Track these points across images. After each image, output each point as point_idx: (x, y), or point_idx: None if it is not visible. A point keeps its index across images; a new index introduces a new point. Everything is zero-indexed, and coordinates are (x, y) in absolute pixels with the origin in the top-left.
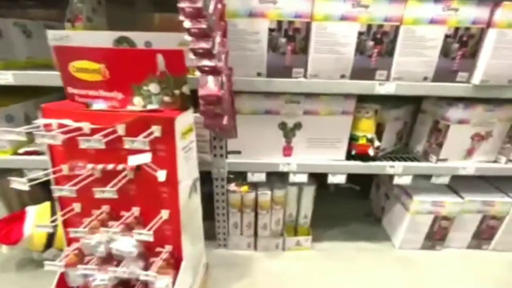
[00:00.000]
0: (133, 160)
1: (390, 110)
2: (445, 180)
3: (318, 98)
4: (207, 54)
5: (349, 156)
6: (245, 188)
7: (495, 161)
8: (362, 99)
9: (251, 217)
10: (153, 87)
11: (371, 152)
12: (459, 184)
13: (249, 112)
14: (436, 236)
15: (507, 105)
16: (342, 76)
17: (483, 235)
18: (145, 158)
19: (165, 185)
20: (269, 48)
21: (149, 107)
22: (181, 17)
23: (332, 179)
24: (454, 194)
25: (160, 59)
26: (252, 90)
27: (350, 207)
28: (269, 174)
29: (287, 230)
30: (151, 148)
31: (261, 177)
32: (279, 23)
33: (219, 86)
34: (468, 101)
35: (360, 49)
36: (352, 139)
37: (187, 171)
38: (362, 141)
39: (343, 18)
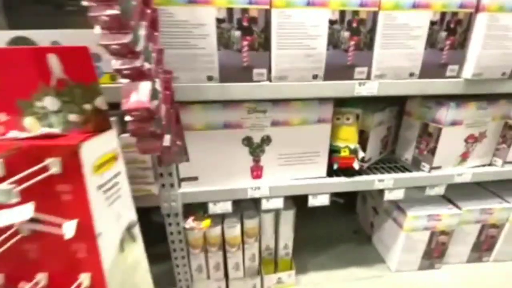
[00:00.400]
0: (2, 219)
1: (373, 114)
2: (441, 190)
3: (288, 105)
4: (127, 51)
5: (330, 172)
6: (206, 222)
7: (490, 164)
8: (339, 104)
9: (218, 257)
10: (50, 102)
11: (356, 165)
12: (452, 192)
13: (203, 127)
14: (435, 253)
15: (500, 100)
16: (315, 77)
17: (483, 246)
18: (21, 214)
19: (78, 241)
20: (220, 45)
21: (46, 130)
22: (84, 1)
23: (313, 202)
24: (449, 204)
25: (53, 61)
26: (204, 99)
27: (335, 225)
28: (237, 202)
29: (265, 267)
30: (48, 191)
31: (226, 207)
32: (230, 11)
33: (148, 95)
34: (458, 99)
35: (333, 42)
36: (333, 151)
37: (113, 217)
38: (345, 153)
39: (310, 4)
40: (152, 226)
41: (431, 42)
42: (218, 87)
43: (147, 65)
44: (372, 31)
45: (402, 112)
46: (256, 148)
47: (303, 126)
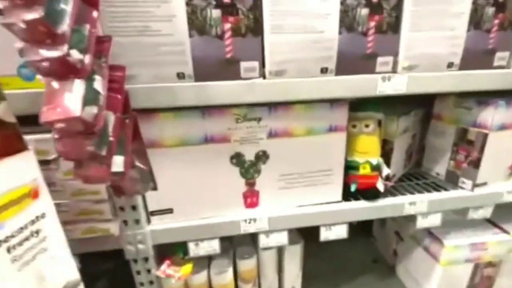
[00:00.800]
0: None
1: (399, 119)
2: (487, 212)
3: (289, 110)
4: (43, 34)
5: (347, 194)
6: (187, 268)
7: None
8: (354, 107)
9: None
10: None
11: (380, 185)
12: (495, 214)
13: (177, 143)
14: None
15: None
16: (324, 70)
17: None
18: None
19: None
20: (192, 29)
21: None
22: None
23: (326, 235)
24: (495, 228)
25: None
26: (174, 105)
27: (350, 252)
28: (228, 237)
29: None
30: None
31: (212, 246)
32: None
33: (80, 99)
34: (507, 95)
35: (347, 23)
36: (350, 167)
37: (29, 284)
38: (365, 170)
39: None
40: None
41: (476, 21)
42: (192, 88)
43: (76, 55)
44: (398, 7)
45: (429, 115)
46: (249, 168)
47: (309, 137)
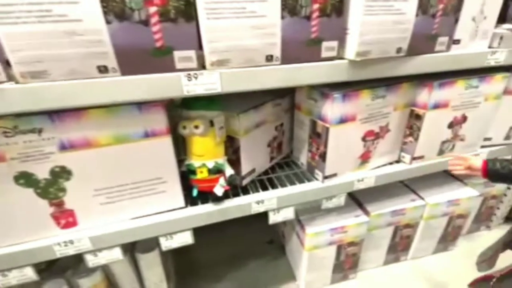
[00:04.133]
0: None
1: (239, 116)
2: (340, 201)
3: (81, 117)
4: None
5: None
6: None
7: (399, 161)
8: (186, 104)
9: None
10: None
11: (218, 190)
12: (356, 193)
13: None
14: (345, 266)
15: (403, 84)
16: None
17: (399, 247)
18: None
19: None
20: (108, 13)
21: None
22: None
23: (168, 244)
24: (358, 209)
25: None
26: None
27: (248, 235)
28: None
29: None
30: None
31: (26, 274)
32: None
33: None
34: (345, 86)
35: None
36: (190, 171)
37: None
38: (202, 174)
39: None
40: None
41: (423, 6)
42: None
43: None
44: None
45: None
46: (47, 188)
47: (122, 146)
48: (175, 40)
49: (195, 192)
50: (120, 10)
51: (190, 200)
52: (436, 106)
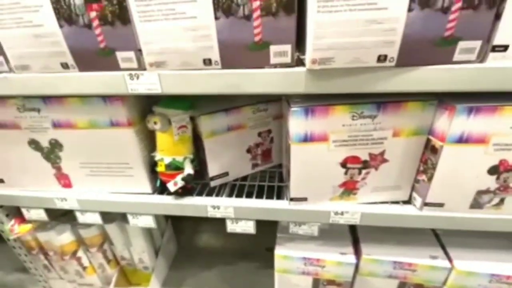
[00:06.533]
0: None
1: (200, 117)
2: (312, 231)
3: (64, 103)
4: None
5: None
6: (25, 228)
7: (410, 202)
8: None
9: (57, 260)
10: None
11: (170, 186)
12: (359, 227)
13: None
14: None
15: (402, 104)
16: (207, 62)
17: None
18: None
19: None
20: (60, 18)
21: None
22: None
23: (134, 222)
24: (348, 246)
25: None
26: None
27: (251, 237)
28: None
29: (123, 277)
30: None
31: (39, 214)
32: None
33: None
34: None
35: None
36: (155, 161)
37: None
38: (161, 168)
39: None
40: None
41: None
42: None
43: None
44: None
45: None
46: (49, 154)
47: (95, 130)
48: (116, 42)
49: (158, 183)
50: None
51: (160, 189)
52: (464, 140)
